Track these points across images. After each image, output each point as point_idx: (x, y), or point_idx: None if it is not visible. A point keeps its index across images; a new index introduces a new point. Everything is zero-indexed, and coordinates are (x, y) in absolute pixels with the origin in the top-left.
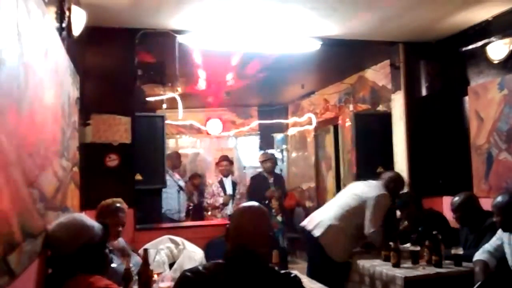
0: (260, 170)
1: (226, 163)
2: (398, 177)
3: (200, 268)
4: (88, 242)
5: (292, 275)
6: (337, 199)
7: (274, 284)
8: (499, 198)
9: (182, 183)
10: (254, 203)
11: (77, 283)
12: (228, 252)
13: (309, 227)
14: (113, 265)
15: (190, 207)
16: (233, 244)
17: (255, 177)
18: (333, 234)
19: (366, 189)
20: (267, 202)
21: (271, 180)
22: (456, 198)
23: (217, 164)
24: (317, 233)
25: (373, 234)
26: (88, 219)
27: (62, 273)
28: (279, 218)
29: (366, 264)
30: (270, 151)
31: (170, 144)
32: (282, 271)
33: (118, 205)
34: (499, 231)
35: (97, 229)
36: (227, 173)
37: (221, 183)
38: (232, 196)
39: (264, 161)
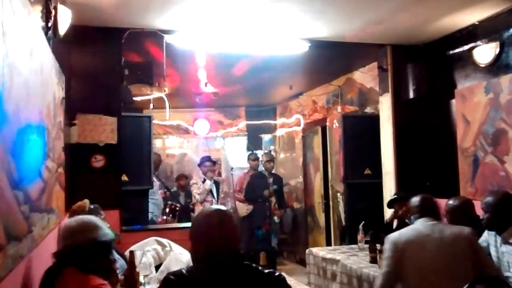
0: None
1: (209, 164)
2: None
3: (184, 271)
4: (94, 239)
5: (276, 273)
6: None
7: (258, 283)
8: (491, 196)
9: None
10: (217, 206)
11: (73, 277)
12: (206, 254)
13: None
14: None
15: (177, 208)
16: (208, 246)
17: (254, 175)
18: None
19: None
20: (260, 200)
21: (270, 179)
22: (450, 202)
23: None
24: None
25: None
26: (101, 222)
27: (62, 265)
28: (275, 218)
29: (354, 265)
30: (258, 151)
31: (157, 144)
32: (266, 270)
33: (90, 206)
34: (485, 234)
35: (107, 231)
36: (212, 174)
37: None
38: (217, 195)
39: (267, 161)
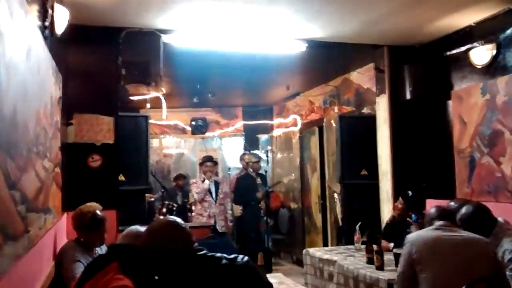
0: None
1: (210, 164)
2: None
3: (156, 278)
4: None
5: (240, 257)
6: None
7: (223, 272)
8: (465, 210)
9: None
10: (167, 218)
11: (112, 271)
12: (177, 260)
13: None
14: None
15: (174, 208)
16: (171, 252)
17: (242, 177)
18: None
19: None
20: (253, 203)
21: (258, 180)
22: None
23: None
24: None
25: None
26: None
27: (112, 257)
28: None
29: (350, 266)
30: (254, 152)
31: (154, 144)
32: (231, 256)
33: (99, 214)
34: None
35: None
36: (211, 174)
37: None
38: (216, 195)
39: (255, 162)
